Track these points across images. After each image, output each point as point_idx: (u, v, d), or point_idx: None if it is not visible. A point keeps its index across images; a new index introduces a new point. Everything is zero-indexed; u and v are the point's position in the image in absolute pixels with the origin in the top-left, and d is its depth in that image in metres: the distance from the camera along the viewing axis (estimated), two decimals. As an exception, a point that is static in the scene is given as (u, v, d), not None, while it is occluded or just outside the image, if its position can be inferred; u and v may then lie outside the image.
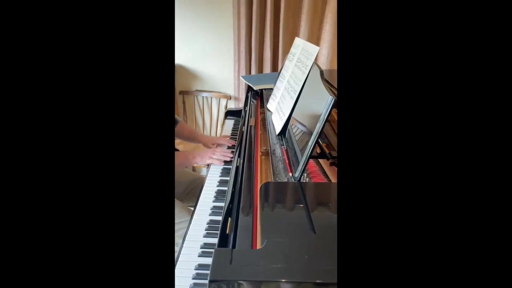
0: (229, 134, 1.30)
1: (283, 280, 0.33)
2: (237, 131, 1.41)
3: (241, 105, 1.86)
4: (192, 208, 0.84)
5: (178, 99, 2.02)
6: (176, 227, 0.94)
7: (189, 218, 0.78)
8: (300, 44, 0.91)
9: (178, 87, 2.00)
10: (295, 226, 0.43)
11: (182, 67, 1.95)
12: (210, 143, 1.19)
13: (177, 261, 0.64)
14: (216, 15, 1.76)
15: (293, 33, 1.67)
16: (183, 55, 1.91)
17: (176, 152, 1.00)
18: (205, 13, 1.77)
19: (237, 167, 0.74)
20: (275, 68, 1.78)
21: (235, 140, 1.10)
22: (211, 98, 1.99)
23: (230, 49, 1.81)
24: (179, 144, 1.85)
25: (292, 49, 0.97)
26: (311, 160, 0.71)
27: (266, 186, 0.53)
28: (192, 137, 1.27)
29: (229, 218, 0.55)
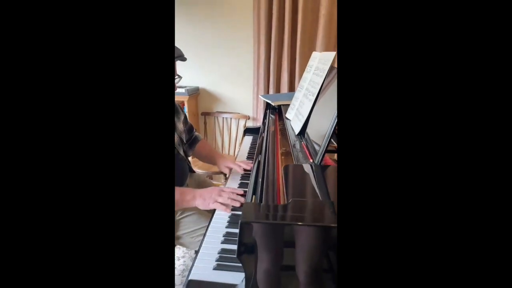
0: (246, 158, 1.25)
1: (305, 224, 0.36)
2: (256, 144, 1.46)
3: (259, 124, 1.94)
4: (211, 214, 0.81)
5: (200, 120, 2.14)
6: (196, 233, 0.92)
7: (207, 224, 0.74)
8: (317, 56, 0.99)
9: (200, 108, 2.13)
10: (315, 192, 0.45)
11: (205, 90, 2.09)
12: (224, 167, 1.09)
13: (200, 247, 0.66)
14: (237, 42, 1.93)
15: (308, 57, 1.77)
16: (206, 79, 2.06)
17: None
18: (227, 40, 1.95)
19: (258, 162, 0.78)
20: (291, 90, 1.88)
21: (251, 162, 1.00)
22: (231, 118, 2.09)
23: (249, 73, 1.95)
24: (195, 163, 1.90)
25: (310, 62, 1.05)
26: (331, 160, 0.74)
27: (288, 167, 0.57)
28: (210, 156, 1.18)
29: (254, 196, 0.58)
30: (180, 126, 1.06)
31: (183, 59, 0.95)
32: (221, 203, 0.76)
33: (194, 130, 1.21)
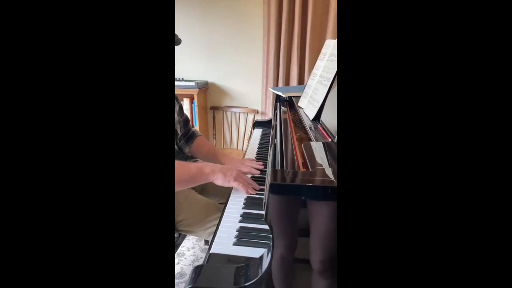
0: (256, 150, 1.24)
1: (333, 186, 0.36)
2: (267, 137, 1.47)
3: (267, 118, 1.95)
4: (223, 205, 0.79)
5: (209, 114, 2.16)
6: (207, 225, 0.87)
7: (220, 214, 0.73)
8: (331, 44, 0.99)
9: (209, 103, 2.15)
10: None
11: (214, 85, 2.11)
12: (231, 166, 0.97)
13: (218, 227, 0.67)
14: (247, 35, 1.95)
15: (318, 51, 1.78)
16: (215, 74, 2.08)
17: (182, 163, 0.77)
18: (237, 34, 1.96)
19: (274, 145, 0.79)
20: (301, 83, 1.88)
21: (261, 163, 0.96)
22: (239, 113, 2.10)
23: (258, 68, 1.96)
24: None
25: (323, 50, 1.05)
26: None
27: (309, 144, 0.57)
28: (212, 154, 1.04)
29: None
30: (175, 116, 0.99)
31: (176, 41, 0.86)
32: (242, 183, 0.75)
33: (190, 124, 1.11)
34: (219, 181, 0.75)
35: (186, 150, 1.03)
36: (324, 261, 0.40)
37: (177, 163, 0.71)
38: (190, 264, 1.46)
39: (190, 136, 1.05)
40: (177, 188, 0.75)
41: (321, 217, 0.38)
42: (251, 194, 0.77)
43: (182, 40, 0.90)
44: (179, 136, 1.01)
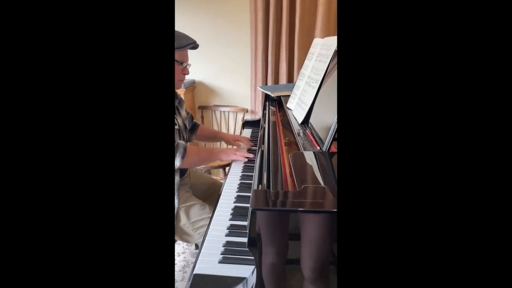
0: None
1: (314, 210, 0.33)
2: (257, 135, 1.44)
3: (257, 117, 1.91)
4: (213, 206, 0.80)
5: (197, 113, 2.10)
6: (197, 224, 0.90)
7: (211, 215, 0.75)
8: (319, 43, 0.96)
9: (197, 102, 2.09)
10: (327, 179, 0.43)
11: (201, 83, 2.05)
12: (231, 139, 1.28)
13: (204, 241, 0.63)
14: (234, 32, 1.89)
15: (307, 48, 1.74)
16: (202, 72, 2.02)
17: (199, 148, 1.00)
18: (223, 31, 1.90)
19: (262, 151, 0.75)
20: (290, 81, 1.85)
21: (255, 142, 1.16)
22: (228, 112, 2.06)
23: (247, 66, 1.91)
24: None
25: (311, 49, 1.02)
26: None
27: (297, 154, 0.54)
28: (213, 135, 1.33)
29: (260, 185, 0.55)
30: (183, 113, 1.10)
31: (195, 46, 0.99)
32: (240, 155, 1.04)
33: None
34: (223, 157, 1.04)
35: (192, 138, 1.27)
36: (315, 269, 0.39)
37: (195, 147, 1.00)
38: (180, 270, 1.43)
39: (194, 126, 1.26)
40: (195, 166, 1.16)
41: (310, 229, 0.36)
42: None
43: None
44: (187, 129, 1.21)
